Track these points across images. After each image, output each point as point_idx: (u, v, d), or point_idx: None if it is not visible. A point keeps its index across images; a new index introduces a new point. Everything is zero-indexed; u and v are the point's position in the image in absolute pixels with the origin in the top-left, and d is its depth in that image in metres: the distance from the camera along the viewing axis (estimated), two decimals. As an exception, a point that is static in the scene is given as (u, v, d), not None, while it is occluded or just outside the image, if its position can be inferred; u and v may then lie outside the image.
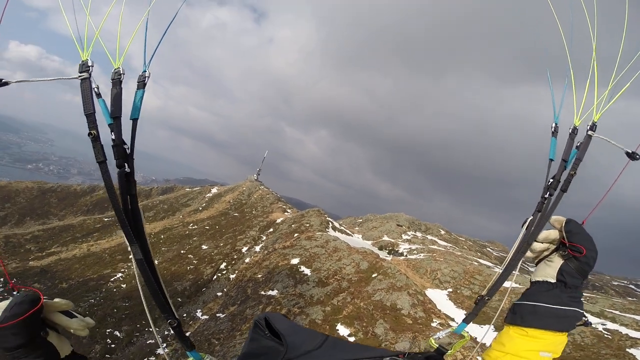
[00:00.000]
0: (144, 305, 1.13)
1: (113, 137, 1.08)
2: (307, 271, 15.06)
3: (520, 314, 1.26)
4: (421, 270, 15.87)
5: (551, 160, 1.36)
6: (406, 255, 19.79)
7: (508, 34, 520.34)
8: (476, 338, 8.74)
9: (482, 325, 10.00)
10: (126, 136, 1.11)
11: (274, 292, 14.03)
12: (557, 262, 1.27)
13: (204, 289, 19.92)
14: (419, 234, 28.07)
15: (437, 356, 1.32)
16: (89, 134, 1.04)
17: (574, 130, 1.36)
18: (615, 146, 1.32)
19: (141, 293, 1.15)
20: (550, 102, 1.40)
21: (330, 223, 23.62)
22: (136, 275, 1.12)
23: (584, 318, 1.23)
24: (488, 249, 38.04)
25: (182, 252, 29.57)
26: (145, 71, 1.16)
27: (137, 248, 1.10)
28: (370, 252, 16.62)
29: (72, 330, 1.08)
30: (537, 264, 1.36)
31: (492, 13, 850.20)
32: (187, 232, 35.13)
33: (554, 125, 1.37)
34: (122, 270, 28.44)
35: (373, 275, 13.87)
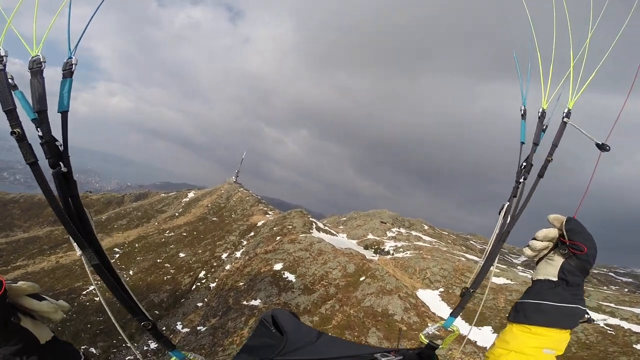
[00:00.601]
0: (113, 321, 1.13)
1: (40, 133, 0.98)
2: (292, 277, 14.29)
3: (524, 312, 1.27)
4: (410, 269, 15.41)
5: (522, 143, 1.38)
6: (393, 254, 19.34)
7: (480, 31, 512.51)
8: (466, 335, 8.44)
9: (480, 328, 9.56)
10: (56, 132, 1.01)
11: (257, 302, 13.19)
12: (557, 260, 1.28)
13: (182, 299, 18.80)
14: (403, 230, 27.80)
15: (428, 352, 1.33)
16: (12, 132, 0.95)
17: (543, 114, 1.39)
18: (587, 136, 1.34)
19: (107, 308, 1.16)
20: (518, 88, 1.43)
21: (314, 224, 22.89)
22: (92, 281, 1.11)
23: (586, 315, 1.25)
24: (471, 242, 38.37)
25: (158, 261, 28.16)
26: (71, 57, 1.05)
27: (91, 253, 1.04)
28: (357, 253, 16.00)
29: (44, 315, 1.02)
30: (537, 263, 1.34)
31: (465, 11, 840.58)
32: (164, 240, 33.60)
33: (523, 108, 1.40)
34: (95, 282, 26.70)
35: (361, 279, 13.26)
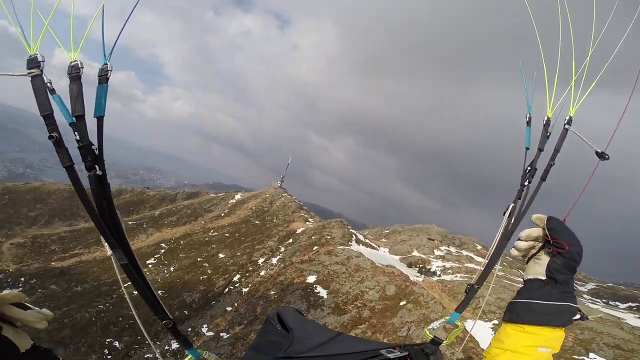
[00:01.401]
0: (135, 317, 1.17)
1: (77, 137, 1.02)
2: (323, 293, 13.08)
3: (516, 312, 1.31)
4: (459, 296, 13.47)
5: (527, 148, 1.49)
6: (440, 275, 17.38)
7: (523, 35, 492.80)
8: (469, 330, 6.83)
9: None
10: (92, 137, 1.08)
11: (284, 316, 12.18)
12: (544, 259, 1.33)
13: (213, 302, 18.40)
14: (452, 249, 25.42)
15: (432, 347, 1.38)
16: (50, 137, 0.97)
17: (547, 122, 1.49)
18: (587, 144, 1.46)
19: (133, 311, 1.20)
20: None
21: (353, 235, 21.53)
22: (120, 282, 1.19)
23: (579, 313, 1.28)
24: None
25: (198, 259, 28.47)
26: (107, 64, 1.06)
27: (120, 253, 1.09)
28: (399, 273, 14.37)
29: (28, 324, 1.03)
30: (527, 263, 1.39)
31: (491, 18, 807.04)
32: (207, 239, 34.15)
33: (528, 115, 1.51)
34: (123, 281, 27.67)
35: (401, 304, 11.68)
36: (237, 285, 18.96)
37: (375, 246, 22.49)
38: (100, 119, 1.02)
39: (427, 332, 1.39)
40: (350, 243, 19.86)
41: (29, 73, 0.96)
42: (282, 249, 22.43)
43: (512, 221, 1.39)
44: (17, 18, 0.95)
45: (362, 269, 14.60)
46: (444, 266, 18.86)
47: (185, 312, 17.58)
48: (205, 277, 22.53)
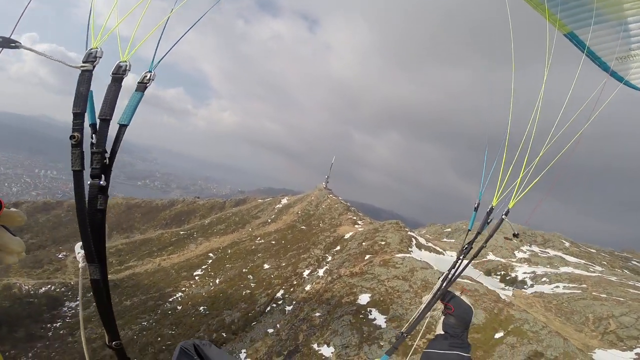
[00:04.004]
0: (83, 340, 1.32)
1: (94, 140, 0.98)
2: (381, 320, 10.07)
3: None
4: (575, 316, 9.70)
5: (469, 230, 1.98)
6: (532, 285, 13.50)
7: None
8: None
9: None
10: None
11: (328, 352, 9.41)
12: (441, 319, 1.89)
13: (254, 322, 16.14)
14: (536, 249, 20.92)
15: None
16: (72, 136, 0.95)
17: (491, 210, 1.93)
18: (511, 227, 2.14)
19: (82, 325, 1.47)
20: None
21: (413, 240, 18.10)
22: (80, 293, 1.29)
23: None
24: (634, 262, 27.95)
25: (243, 270, 26.78)
26: (151, 72, 1.04)
27: (95, 268, 1.08)
28: (485, 291, 10.82)
29: (8, 250, 1.04)
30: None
31: None
32: (253, 247, 32.61)
33: (477, 202, 1.94)
34: (183, 289, 26.70)
35: (497, 336, 8.28)
36: (280, 302, 16.53)
37: (441, 250, 18.83)
38: (122, 127, 0.99)
39: None
40: (410, 249, 16.53)
41: (82, 66, 0.94)
42: (329, 257, 19.68)
43: (445, 284, 1.91)
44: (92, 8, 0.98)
45: (431, 286, 11.33)
46: (533, 272, 14.84)
47: (224, 334, 15.56)
48: (248, 291, 20.55)
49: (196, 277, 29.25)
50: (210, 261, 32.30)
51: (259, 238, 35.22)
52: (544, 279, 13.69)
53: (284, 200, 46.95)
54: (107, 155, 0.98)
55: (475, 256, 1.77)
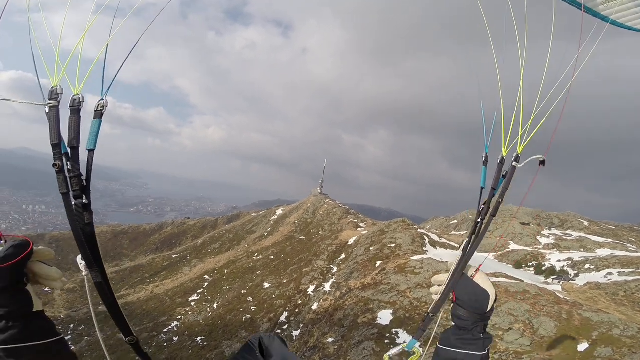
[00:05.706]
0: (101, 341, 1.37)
1: (69, 167, 1.06)
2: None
3: (434, 355, 1.42)
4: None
5: (482, 188, 1.58)
6: (576, 275, 11.84)
7: None
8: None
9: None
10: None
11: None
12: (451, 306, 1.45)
13: (258, 353, 14.04)
14: (557, 232, 19.29)
15: None
16: (54, 164, 1.04)
17: (502, 160, 1.59)
18: (532, 160, 1.59)
19: (96, 326, 1.31)
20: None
21: (425, 237, 16.25)
22: (89, 298, 1.28)
23: None
24: None
25: (242, 292, 24.74)
26: (103, 99, 1.11)
27: (96, 272, 1.14)
28: (537, 290, 8.90)
29: (50, 279, 1.12)
30: None
31: None
32: (251, 265, 30.59)
33: (484, 155, 1.61)
34: (179, 317, 24.58)
35: (581, 348, 6.47)
36: (285, 327, 14.47)
37: (457, 245, 17.01)
38: (91, 152, 1.07)
39: (386, 358, 1.42)
40: (424, 249, 14.69)
41: (48, 104, 1.04)
42: (335, 269, 17.73)
43: (466, 255, 1.47)
44: (41, 55, 1.06)
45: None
46: (570, 260, 13.19)
47: (223, 372, 13.51)
48: (248, 316, 18.50)
49: (192, 303, 27.09)
50: (206, 284, 30.18)
51: (256, 254, 33.15)
52: (587, 265, 12.01)
53: (279, 211, 44.94)
54: (84, 177, 1.05)
55: (494, 215, 1.38)
